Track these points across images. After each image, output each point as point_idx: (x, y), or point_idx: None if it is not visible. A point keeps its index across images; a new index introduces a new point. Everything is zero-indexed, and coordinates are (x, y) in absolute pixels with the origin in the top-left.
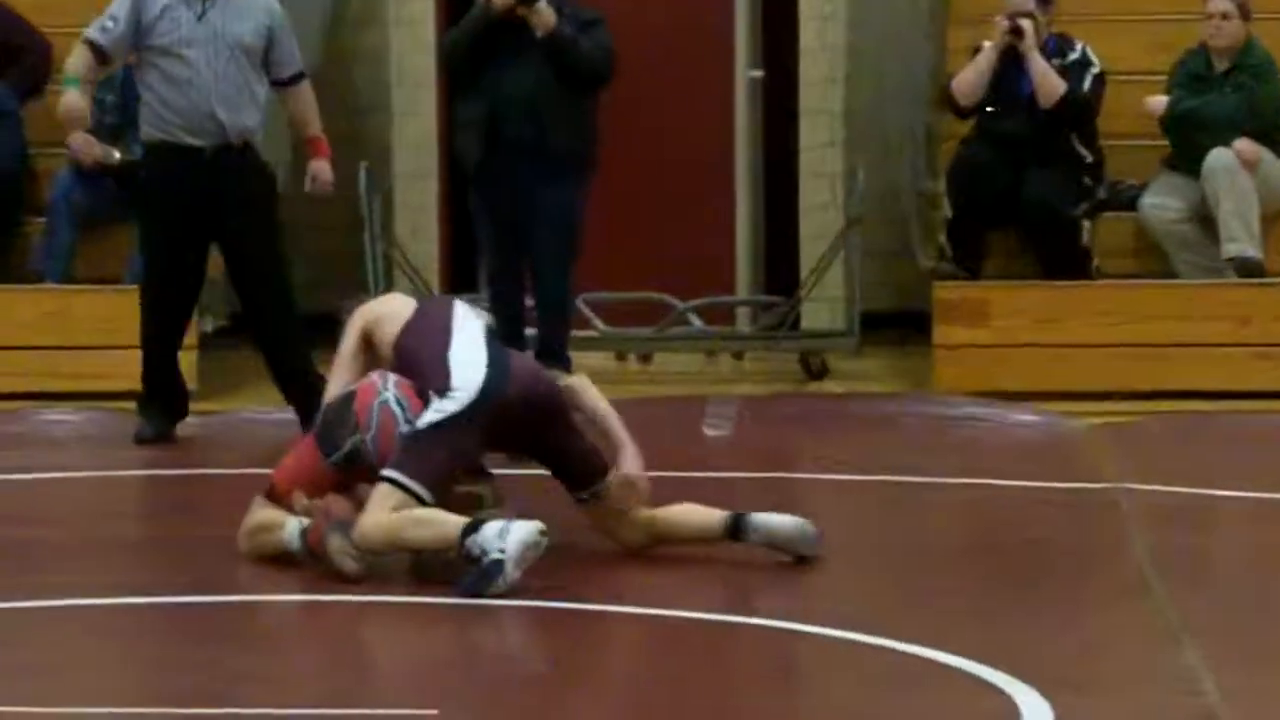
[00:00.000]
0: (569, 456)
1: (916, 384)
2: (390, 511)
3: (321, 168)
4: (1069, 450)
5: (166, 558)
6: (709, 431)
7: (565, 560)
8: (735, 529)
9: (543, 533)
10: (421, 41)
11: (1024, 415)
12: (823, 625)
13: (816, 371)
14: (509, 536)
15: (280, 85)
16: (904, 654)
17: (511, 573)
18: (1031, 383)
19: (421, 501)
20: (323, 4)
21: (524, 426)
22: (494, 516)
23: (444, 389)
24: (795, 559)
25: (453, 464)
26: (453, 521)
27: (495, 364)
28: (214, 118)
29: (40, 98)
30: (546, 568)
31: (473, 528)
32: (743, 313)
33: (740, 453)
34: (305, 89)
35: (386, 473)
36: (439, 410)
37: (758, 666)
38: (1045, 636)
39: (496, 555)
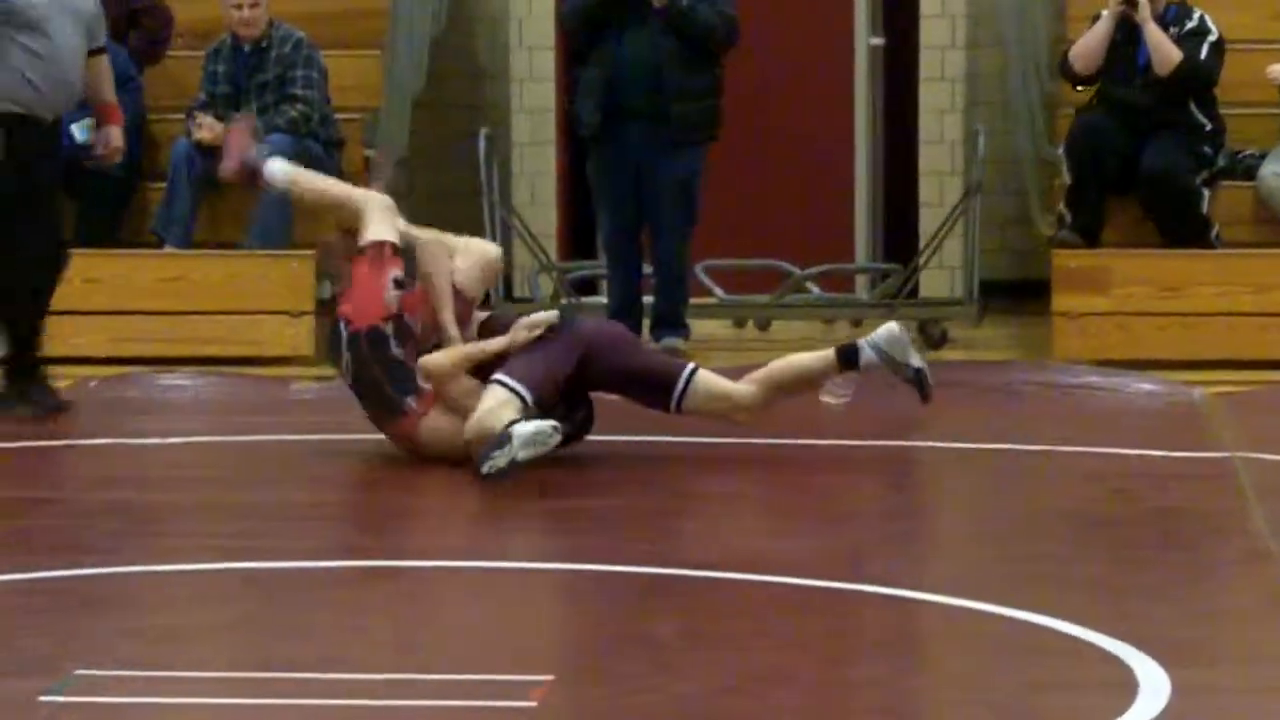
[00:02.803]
0: (648, 372)
1: (1036, 352)
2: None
3: (115, 133)
4: (1188, 419)
5: (282, 523)
6: (827, 399)
7: (677, 526)
8: (849, 356)
9: (555, 429)
10: (542, 7)
11: (1143, 384)
12: (940, 593)
13: (936, 339)
14: (522, 425)
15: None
16: (1021, 622)
17: (519, 449)
18: (1151, 351)
19: (525, 403)
20: None
21: (599, 358)
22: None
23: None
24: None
25: (543, 371)
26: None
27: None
28: (69, 89)
29: (159, 64)
30: (659, 534)
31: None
32: (861, 280)
33: (859, 420)
34: (105, 60)
35: (496, 376)
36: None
37: (873, 634)
38: (1164, 607)
39: (506, 433)
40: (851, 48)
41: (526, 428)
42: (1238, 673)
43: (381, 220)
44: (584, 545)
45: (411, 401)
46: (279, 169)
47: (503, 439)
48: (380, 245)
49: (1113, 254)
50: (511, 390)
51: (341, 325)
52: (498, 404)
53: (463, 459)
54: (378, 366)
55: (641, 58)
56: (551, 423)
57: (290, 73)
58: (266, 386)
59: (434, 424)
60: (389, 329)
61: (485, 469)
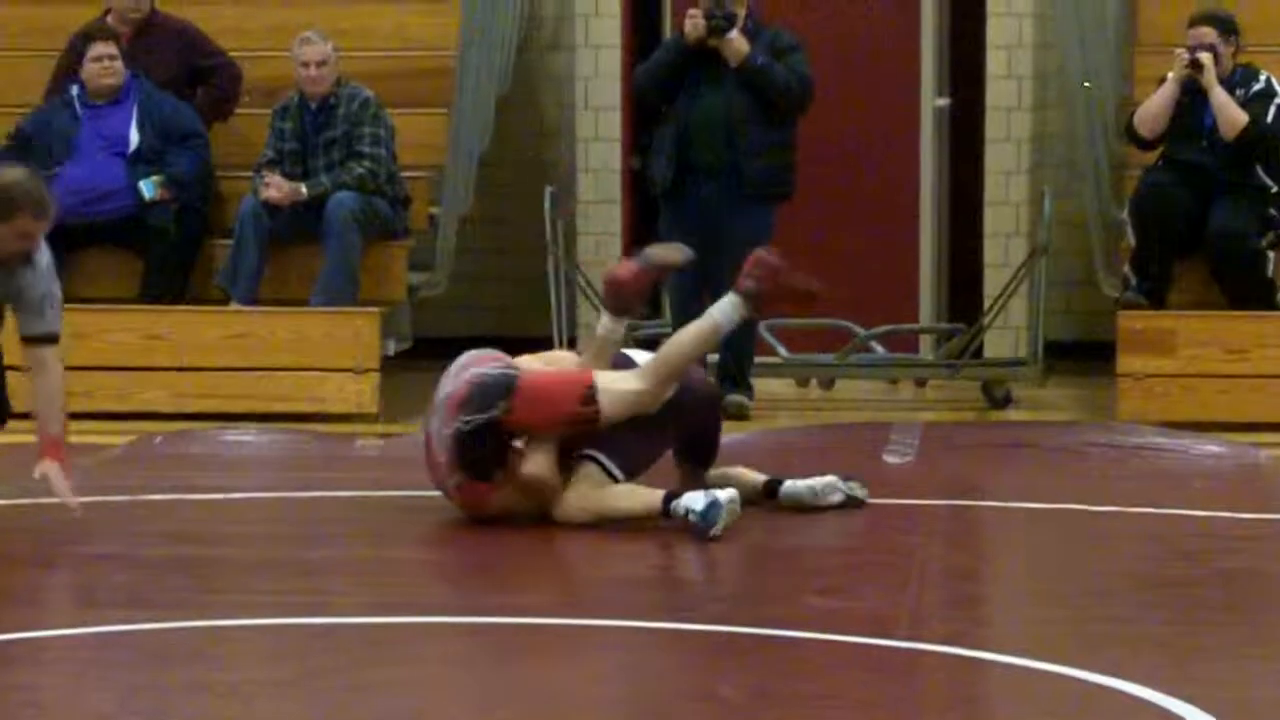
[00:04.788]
0: (716, 437)
1: (1100, 414)
2: (588, 489)
3: (51, 472)
4: (1255, 481)
5: (346, 579)
6: (891, 459)
7: (744, 584)
8: (771, 492)
9: (733, 500)
10: (608, 66)
11: (1209, 446)
12: (1006, 653)
13: (1000, 400)
14: (716, 494)
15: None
16: (1087, 683)
17: (725, 517)
18: (1217, 413)
19: (615, 480)
20: (511, 28)
21: (696, 416)
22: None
23: None
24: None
25: (645, 447)
26: (653, 492)
27: None
28: None
29: (227, 121)
30: (721, 593)
31: (674, 495)
32: (926, 340)
33: (922, 480)
34: (50, 358)
35: (586, 450)
36: None
37: (940, 693)
38: (1229, 668)
39: (712, 499)
40: (918, 108)
41: (725, 494)
42: None
43: (629, 397)
44: (653, 602)
45: (499, 475)
46: (729, 318)
47: (712, 506)
48: (598, 414)
49: (1178, 316)
50: (604, 469)
51: (498, 407)
52: (598, 483)
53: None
54: (490, 448)
55: (715, 114)
56: (735, 491)
57: (357, 130)
58: (331, 443)
59: (507, 496)
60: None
61: (715, 532)
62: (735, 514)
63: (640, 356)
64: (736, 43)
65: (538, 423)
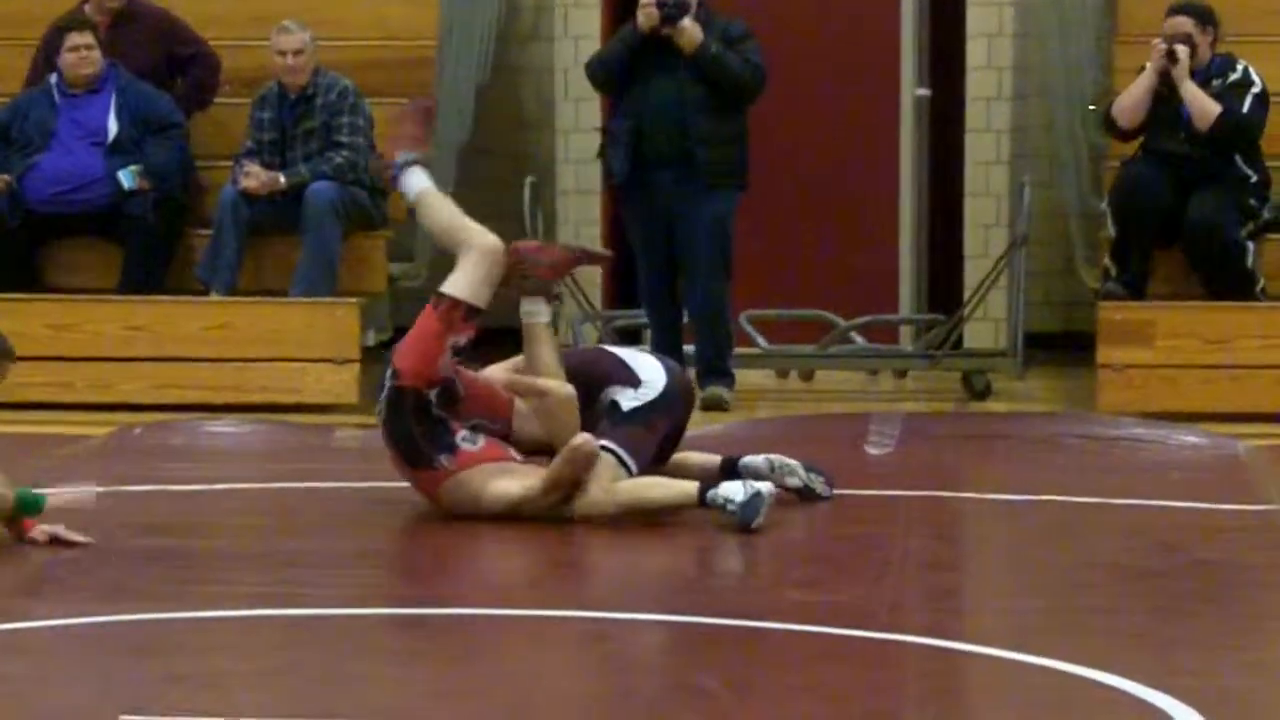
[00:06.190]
0: (680, 436)
1: (1080, 405)
2: (608, 480)
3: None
4: (1235, 472)
5: (326, 571)
6: (871, 449)
7: (722, 576)
8: (730, 471)
9: (773, 492)
10: (588, 57)
11: (1189, 436)
12: (984, 644)
13: (980, 391)
14: (757, 485)
15: None
16: (1065, 674)
17: (766, 508)
18: (1197, 404)
19: (630, 473)
20: (491, 19)
21: (683, 415)
22: None
23: (634, 383)
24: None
25: (651, 445)
26: (687, 482)
27: (667, 362)
28: None
29: (206, 111)
30: (700, 584)
31: (708, 485)
32: (906, 331)
33: (902, 471)
34: None
35: (604, 443)
36: (637, 398)
37: (918, 685)
38: (1209, 659)
39: (754, 491)
40: (898, 99)
41: (765, 486)
42: None
43: (469, 270)
44: (631, 595)
45: (443, 459)
46: (414, 184)
47: (755, 498)
48: (454, 305)
49: (1158, 307)
50: (621, 461)
51: (388, 375)
52: (614, 475)
53: (476, 515)
54: (415, 424)
55: (669, 105)
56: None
57: (336, 120)
58: (311, 434)
59: (457, 484)
60: (433, 394)
61: (757, 524)
62: (771, 504)
63: (625, 353)
64: (690, 31)
65: (417, 367)
